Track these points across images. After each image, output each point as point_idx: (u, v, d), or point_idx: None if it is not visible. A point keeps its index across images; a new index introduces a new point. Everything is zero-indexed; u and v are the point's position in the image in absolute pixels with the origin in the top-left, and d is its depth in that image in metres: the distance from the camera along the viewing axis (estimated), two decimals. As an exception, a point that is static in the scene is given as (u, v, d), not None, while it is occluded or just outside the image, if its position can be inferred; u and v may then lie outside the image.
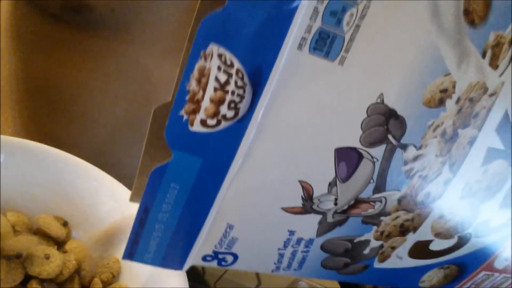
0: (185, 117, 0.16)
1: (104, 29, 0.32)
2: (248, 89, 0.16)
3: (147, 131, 0.20)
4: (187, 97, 0.16)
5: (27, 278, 0.26)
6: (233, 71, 0.15)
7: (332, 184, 0.19)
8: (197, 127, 0.16)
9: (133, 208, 0.18)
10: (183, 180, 0.17)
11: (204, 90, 0.15)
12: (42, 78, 0.33)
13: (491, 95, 0.19)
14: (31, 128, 0.35)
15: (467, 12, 0.17)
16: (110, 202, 0.28)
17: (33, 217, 0.27)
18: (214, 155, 0.17)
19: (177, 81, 0.19)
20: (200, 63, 0.15)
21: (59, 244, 0.28)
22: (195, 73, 0.15)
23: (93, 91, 0.33)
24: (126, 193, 0.28)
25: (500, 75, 0.19)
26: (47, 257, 0.25)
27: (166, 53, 0.33)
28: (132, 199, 0.22)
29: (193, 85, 0.15)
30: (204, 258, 0.19)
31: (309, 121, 0.17)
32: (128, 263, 0.26)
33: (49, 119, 0.34)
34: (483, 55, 0.18)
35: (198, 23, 0.15)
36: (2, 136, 0.27)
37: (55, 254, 0.26)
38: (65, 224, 0.28)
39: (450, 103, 0.19)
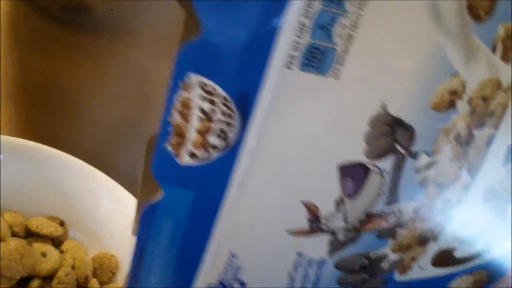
0: (171, 150, 0.15)
1: (103, 29, 0.32)
2: (237, 115, 0.15)
3: (143, 164, 0.19)
4: (172, 130, 0.15)
5: (29, 278, 0.26)
6: (218, 99, 0.14)
7: (339, 202, 0.18)
8: (186, 160, 0.15)
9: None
10: (176, 215, 0.16)
11: (189, 122, 0.14)
12: (41, 77, 0.34)
13: (506, 90, 0.18)
14: (30, 127, 0.35)
15: (471, 7, 0.15)
16: (108, 203, 0.29)
17: (29, 218, 0.28)
18: (207, 186, 0.16)
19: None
20: (181, 94, 0.14)
21: (56, 244, 0.28)
22: (177, 104, 0.14)
23: (91, 91, 0.34)
24: (124, 194, 0.28)
25: (515, 69, 0.17)
26: (44, 254, 0.25)
27: (165, 53, 0.33)
28: (134, 232, 0.22)
29: (176, 117, 0.14)
30: (211, 288, 0.18)
31: (306, 140, 0.16)
32: (125, 262, 0.26)
33: (48, 118, 0.34)
34: (493, 50, 0.16)
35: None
36: (2, 136, 0.28)
37: (51, 251, 0.26)
38: (61, 224, 0.29)
39: (461, 105, 0.17)
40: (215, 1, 0.13)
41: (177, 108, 0.14)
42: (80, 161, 0.28)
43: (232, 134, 0.15)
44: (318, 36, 0.14)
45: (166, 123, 0.15)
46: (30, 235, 0.27)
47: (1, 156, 0.28)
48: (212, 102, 0.14)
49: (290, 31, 0.14)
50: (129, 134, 0.33)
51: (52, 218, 0.28)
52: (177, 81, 0.14)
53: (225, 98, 0.14)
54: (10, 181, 0.28)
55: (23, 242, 0.25)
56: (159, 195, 0.15)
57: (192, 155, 0.15)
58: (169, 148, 0.15)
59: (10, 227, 0.26)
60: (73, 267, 0.26)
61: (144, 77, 0.33)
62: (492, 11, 0.15)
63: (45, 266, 0.25)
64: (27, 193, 0.28)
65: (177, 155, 0.15)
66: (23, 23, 0.33)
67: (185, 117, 0.14)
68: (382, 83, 0.16)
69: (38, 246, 0.26)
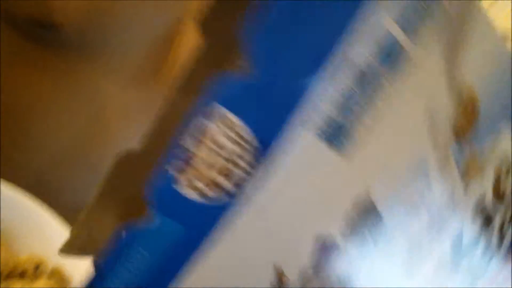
0: (174, 175, 0.14)
1: (70, 49, 0.30)
2: (257, 163, 0.15)
3: (102, 179, 0.18)
4: (180, 155, 0.14)
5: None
6: (239, 138, 0.14)
7: (303, 272, 0.18)
8: (186, 190, 0.14)
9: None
10: (154, 247, 0.15)
11: (200, 151, 0.14)
12: None
13: (457, 204, 0.20)
14: None
15: (456, 127, 0.18)
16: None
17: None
18: (197, 225, 0.15)
19: (154, 130, 0.18)
20: (201, 121, 0.14)
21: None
22: (193, 130, 0.14)
23: (44, 111, 0.31)
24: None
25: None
26: None
27: (129, 82, 0.32)
28: (63, 251, 0.20)
29: (188, 142, 0.14)
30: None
31: (296, 203, 0.16)
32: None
33: None
34: (458, 167, 0.19)
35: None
36: None
37: None
38: None
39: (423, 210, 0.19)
40: (273, 50, 0.14)
41: (192, 133, 0.14)
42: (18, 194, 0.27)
43: (241, 180, 0.15)
44: (344, 115, 0.15)
45: (176, 145, 0.14)
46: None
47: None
48: (232, 139, 0.14)
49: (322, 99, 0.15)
50: (73, 164, 0.31)
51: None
52: (201, 107, 0.14)
53: (247, 141, 0.14)
54: None
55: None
56: (146, 219, 0.14)
57: (195, 187, 0.15)
58: (173, 172, 0.14)
59: None
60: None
61: (103, 104, 0.31)
62: (472, 132, 0.18)
63: None
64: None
65: (178, 181, 0.14)
66: None
67: (198, 145, 0.14)
68: (375, 171, 0.17)
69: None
